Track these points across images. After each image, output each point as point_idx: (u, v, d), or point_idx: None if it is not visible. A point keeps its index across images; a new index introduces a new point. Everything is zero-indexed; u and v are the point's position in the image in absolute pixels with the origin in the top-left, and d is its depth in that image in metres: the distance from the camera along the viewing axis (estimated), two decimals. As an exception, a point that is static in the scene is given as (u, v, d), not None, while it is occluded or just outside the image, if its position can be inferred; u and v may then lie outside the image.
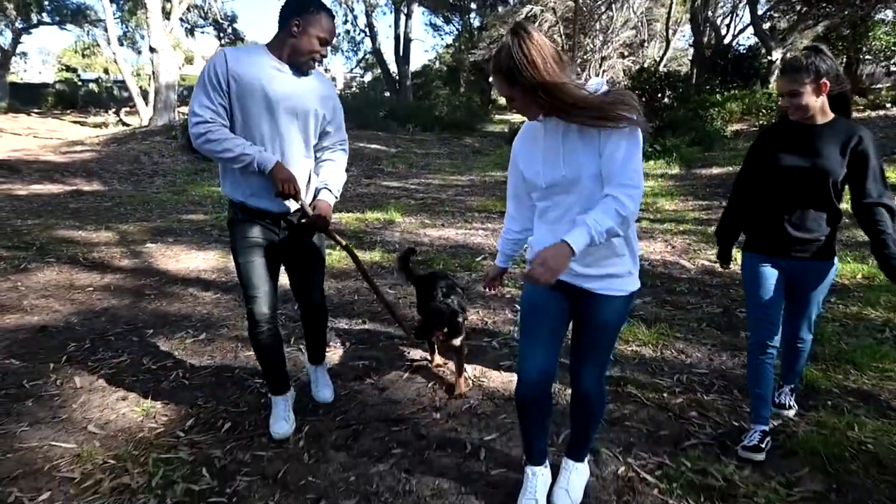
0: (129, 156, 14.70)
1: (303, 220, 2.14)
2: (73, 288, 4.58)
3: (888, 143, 11.47)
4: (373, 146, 16.05)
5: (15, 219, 7.80)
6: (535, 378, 1.76)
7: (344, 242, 2.31)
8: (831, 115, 2.05)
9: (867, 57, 16.09)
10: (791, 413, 2.46)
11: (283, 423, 2.33)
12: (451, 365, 2.83)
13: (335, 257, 5.17)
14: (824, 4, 16.03)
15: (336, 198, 2.24)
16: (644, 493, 1.98)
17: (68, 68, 38.00)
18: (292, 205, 2.14)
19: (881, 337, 3.38)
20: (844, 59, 16.39)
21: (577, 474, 1.97)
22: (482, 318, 3.77)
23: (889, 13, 16.09)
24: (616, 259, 1.68)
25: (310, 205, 2.17)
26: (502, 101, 35.68)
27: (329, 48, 2.06)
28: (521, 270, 1.54)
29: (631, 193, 1.49)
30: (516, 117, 24.86)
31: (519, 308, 1.99)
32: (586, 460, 2.01)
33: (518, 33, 1.48)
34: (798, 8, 17.99)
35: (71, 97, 32.05)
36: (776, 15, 19.06)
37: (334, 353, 3.17)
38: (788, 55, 20.54)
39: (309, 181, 2.24)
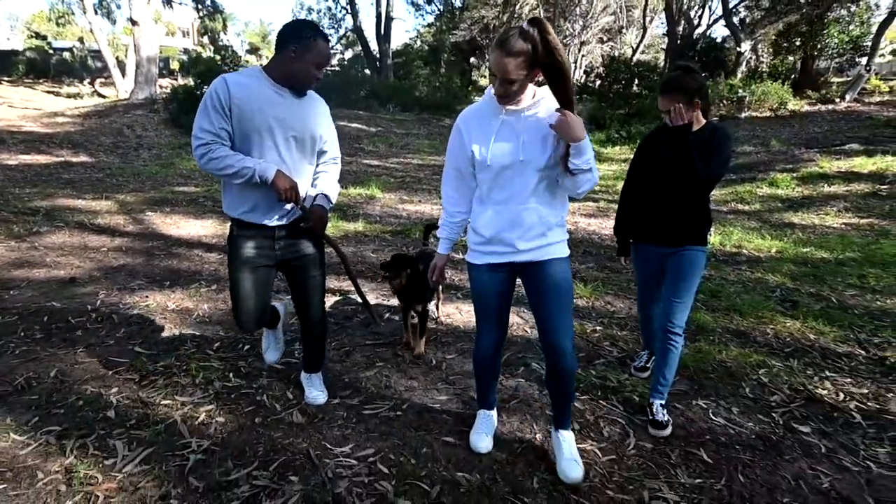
0: (111, 129, 14.88)
1: (301, 225, 2.22)
2: (88, 248, 5.15)
3: (831, 135, 12.44)
4: (354, 125, 16.50)
5: (12, 187, 8.19)
6: (490, 349, 2.09)
7: (337, 245, 2.48)
8: (703, 122, 2.35)
9: (822, 54, 17.03)
10: (667, 432, 2.36)
11: (274, 351, 2.71)
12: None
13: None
14: (785, 1, 16.91)
15: (331, 204, 2.33)
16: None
17: (38, 35, 36.97)
18: (281, 220, 2.21)
19: (771, 295, 4.18)
20: (801, 55, 17.34)
21: (570, 441, 2.11)
22: (451, 277, 4.47)
23: (843, 12, 17.03)
24: (551, 233, 1.90)
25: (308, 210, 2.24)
26: (483, 82, 36.05)
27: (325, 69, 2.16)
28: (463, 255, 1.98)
29: (596, 176, 1.82)
30: (494, 100, 25.41)
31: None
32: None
33: (543, 22, 1.65)
34: (763, 4, 18.89)
35: (43, 66, 31.28)
36: (742, 11, 19.85)
37: (329, 299, 3.84)
38: (758, 46, 21.47)
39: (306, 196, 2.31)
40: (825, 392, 2.76)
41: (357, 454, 2.14)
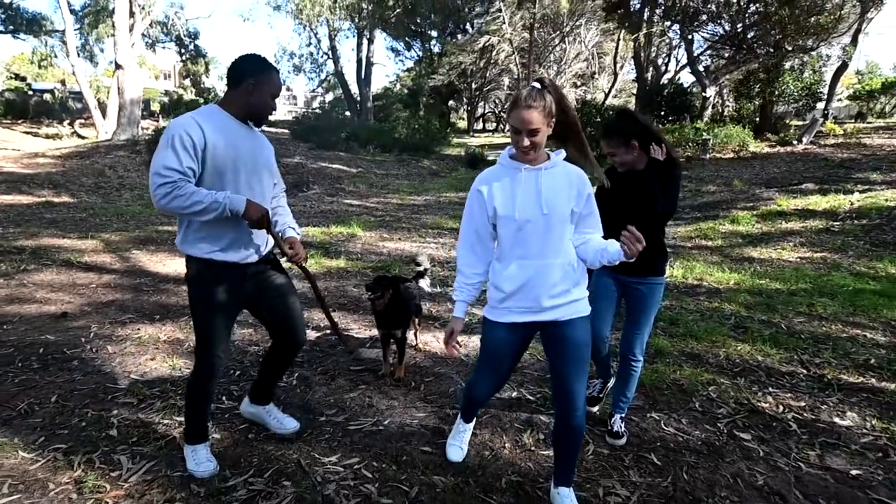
0: (93, 169, 15.04)
1: (279, 257, 2.30)
2: (77, 285, 5.30)
3: (789, 175, 13.19)
4: (335, 166, 16.90)
5: (-4, 227, 8.30)
6: (484, 395, 2.20)
7: (310, 273, 2.52)
8: (645, 160, 2.47)
9: (780, 99, 18.11)
10: (622, 441, 2.60)
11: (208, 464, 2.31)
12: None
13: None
14: (744, 51, 18.06)
15: (300, 235, 2.41)
16: (526, 406, 2.98)
17: (17, 76, 37.14)
18: (252, 257, 2.22)
19: (725, 322, 4.53)
20: (761, 101, 18.42)
21: (572, 497, 2.11)
22: (429, 310, 4.73)
23: (797, 62, 18.23)
24: (574, 288, 1.93)
25: (283, 241, 2.32)
26: (461, 124, 37.08)
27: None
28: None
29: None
30: (473, 141, 26.22)
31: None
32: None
33: (550, 81, 1.83)
34: (725, 54, 20.14)
35: (22, 107, 31.34)
36: (704, 58, 21.07)
37: (312, 332, 4.06)
38: (723, 91, 22.69)
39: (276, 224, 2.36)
40: (767, 405, 3.06)
41: (343, 462, 2.35)
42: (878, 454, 2.59)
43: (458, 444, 2.44)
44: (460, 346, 2.13)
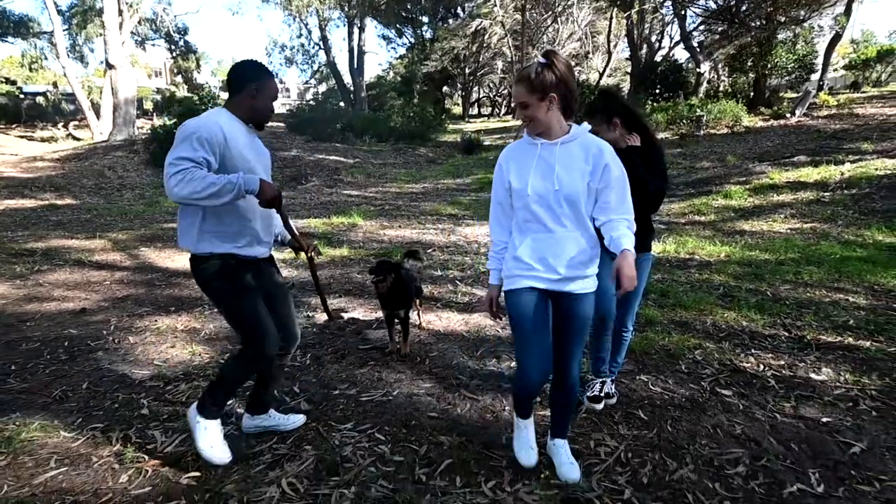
0: (92, 171, 15.19)
1: (306, 253, 2.45)
2: (91, 283, 5.52)
3: (782, 149, 13.33)
4: (332, 158, 17.03)
5: (4, 231, 8.50)
6: (538, 379, 2.05)
7: (314, 263, 2.65)
8: (628, 140, 2.53)
9: (773, 73, 18.18)
10: (613, 401, 2.81)
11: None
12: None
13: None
14: (736, 24, 18.10)
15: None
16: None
17: (7, 80, 37.03)
18: (265, 253, 2.34)
19: (714, 292, 4.74)
20: (754, 75, 18.48)
21: (566, 447, 2.28)
22: (431, 291, 4.94)
23: (789, 34, 18.27)
24: (590, 264, 2.02)
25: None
26: (456, 110, 37.04)
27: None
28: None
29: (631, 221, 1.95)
30: (469, 126, 26.27)
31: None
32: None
33: (552, 54, 1.85)
34: (718, 28, 20.17)
35: (14, 111, 31.27)
36: (696, 34, 21.08)
37: (322, 315, 4.28)
38: (718, 66, 22.75)
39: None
40: (748, 365, 3.28)
41: (358, 428, 2.58)
42: (848, 404, 2.81)
43: (528, 446, 2.30)
44: (503, 311, 2.13)
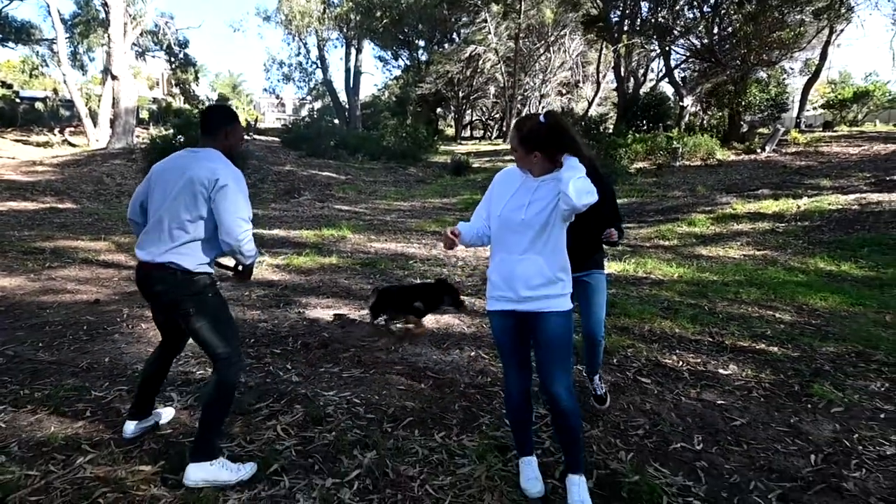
0: (91, 177, 15.67)
1: (238, 270, 2.61)
2: (101, 279, 6.05)
3: (749, 181, 14.19)
4: (325, 173, 17.69)
5: (10, 230, 8.99)
6: (515, 395, 2.25)
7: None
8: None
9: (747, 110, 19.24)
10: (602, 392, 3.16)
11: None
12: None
13: (300, 260, 6.88)
14: (713, 63, 19.18)
15: None
16: (480, 361, 3.80)
17: (4, 84, 37.35)
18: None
19: (658, 305, 5.39)
20: (728, 111, 19.53)
21: (582, 485, 2.19)
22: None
23: (762, 75, 19.39)
24: (551, 286, 2.10)
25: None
26: (449, 132, 37.92)
27: None
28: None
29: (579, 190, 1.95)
30: (460, 148, 27.07)
31: None
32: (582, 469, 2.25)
33: (556, 116, 2.05)
34: (698, 67, 21.31)
35: (10, 115, 31.55)
36: (679, 71, 22.17)
37: (315, 313, 4.86)
38: (700, 101, 23.80)
39: None
40: (670, 361, 3.91)
41: (339, 395, 3.17)
42: (743, 392, 3.44)
43: (532, 477, 2.30)
44: (456, 235, 2.21)
